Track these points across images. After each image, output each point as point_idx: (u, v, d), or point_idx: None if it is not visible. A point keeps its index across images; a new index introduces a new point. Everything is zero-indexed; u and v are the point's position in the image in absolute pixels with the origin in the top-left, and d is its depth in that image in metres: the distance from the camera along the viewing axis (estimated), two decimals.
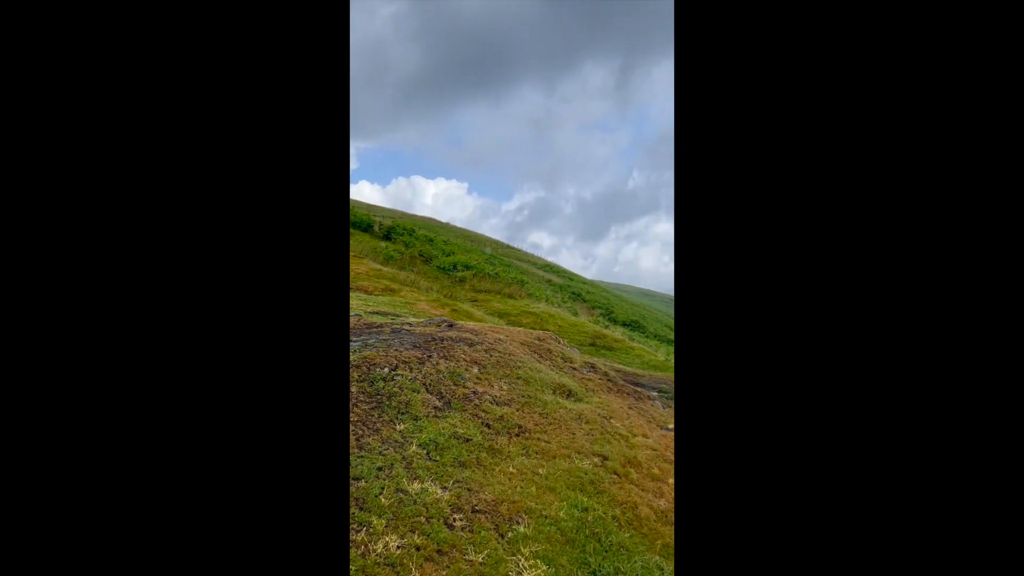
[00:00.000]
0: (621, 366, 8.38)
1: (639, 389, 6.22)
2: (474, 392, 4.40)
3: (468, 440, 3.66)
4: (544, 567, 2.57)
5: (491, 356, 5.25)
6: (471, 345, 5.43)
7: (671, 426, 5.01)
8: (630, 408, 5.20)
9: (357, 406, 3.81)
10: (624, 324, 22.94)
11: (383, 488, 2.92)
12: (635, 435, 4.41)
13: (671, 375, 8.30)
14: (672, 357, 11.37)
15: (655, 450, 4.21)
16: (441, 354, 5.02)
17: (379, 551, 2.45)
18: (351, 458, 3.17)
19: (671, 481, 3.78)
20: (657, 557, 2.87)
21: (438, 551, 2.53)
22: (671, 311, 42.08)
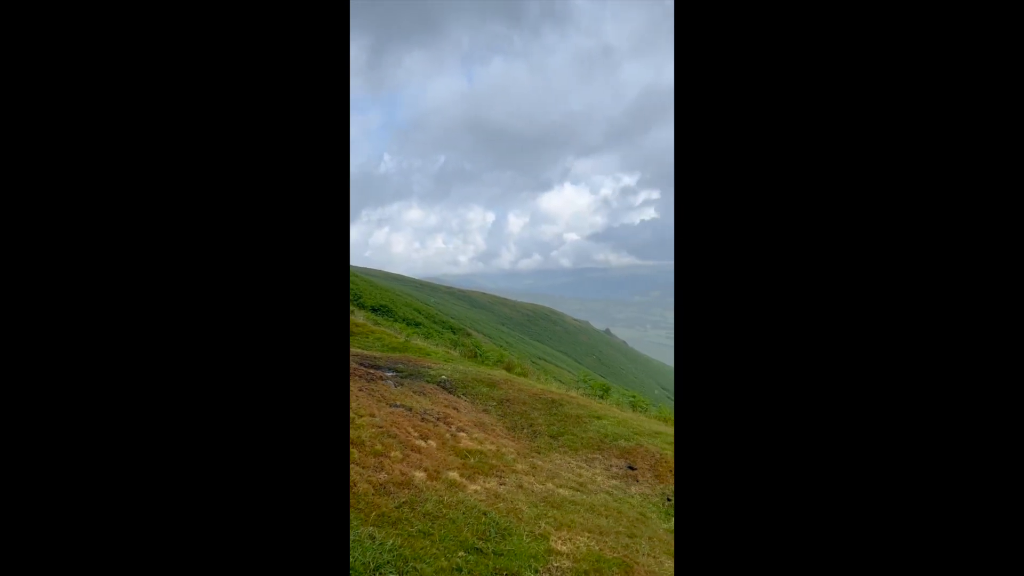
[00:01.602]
0: (359, 350, 8.29)
1: (373, 371, 6.27)
2: None
3: None
4: None
5: None
6: None
7: (399, 403, 5.23)
8: (360, 390, 5.21)
9: None
10: (372, 309, 22.70)
11: None
12: (361, 416, 4.44)
13: (409, 355, 8.64)
14: (413, 338, 11.80)
15: (380, 427, 4.33)
16: None
17: None
18: None
19: (393, 454, 3.95)
20: (371, 528, 2.97)
21: None
22: (420, 295, 43.66)
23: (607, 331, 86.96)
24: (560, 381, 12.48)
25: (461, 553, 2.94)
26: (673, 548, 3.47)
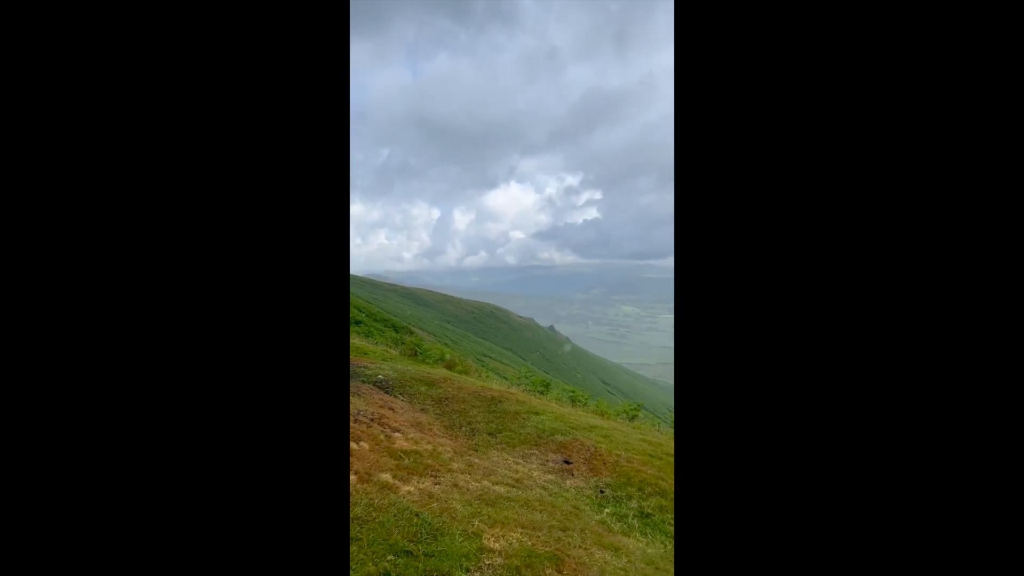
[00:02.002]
0: None
1: None
2: None
3: None
4: None
5: None
6: None
7: None
8: None
9: None
10: None
11: None
12: None
13: None
14: (350, 337, 11.44)
15: None
16: None
17: None
18: None
19: None
20: None
21: None
22: (362, 292, 42.41)
23: (551, 328, 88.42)
24: (504, 378, 12.54)
25: (390, 557, 2.86)
26: (603, 538, 3.56)
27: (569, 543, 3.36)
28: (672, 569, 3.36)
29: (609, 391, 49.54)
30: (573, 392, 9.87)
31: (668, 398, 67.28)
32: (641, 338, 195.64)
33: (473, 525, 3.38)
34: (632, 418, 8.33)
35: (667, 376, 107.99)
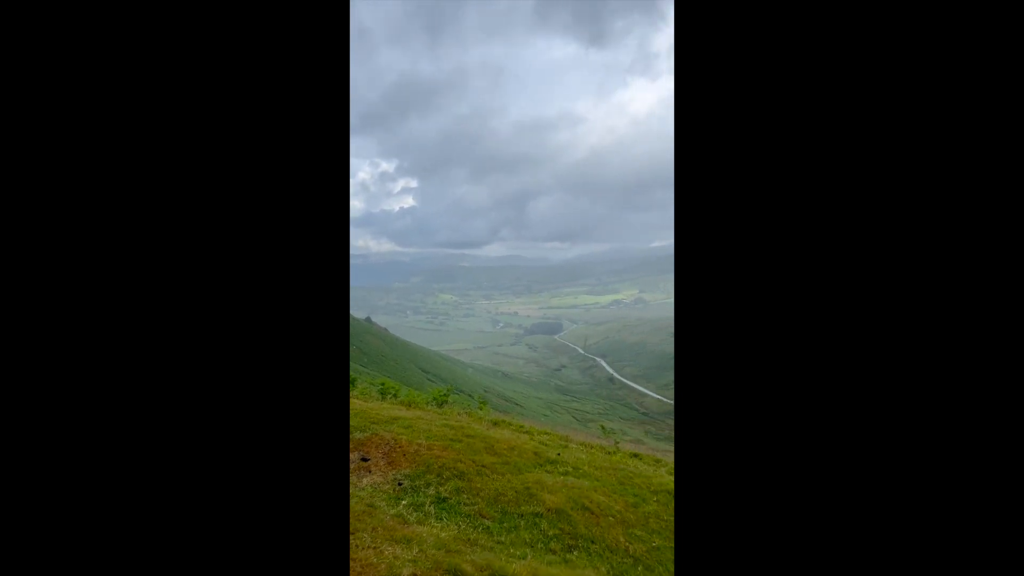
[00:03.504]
0: None
1: None
2: None
3: None
4: None
5: None
6: None
7: None
8: None
9: None
10: None
11: None
12: None
13: None
14: None
15: None
16: None
17: None
18: None
19: None
20: None
21: None
22: None
23: (368, 319, 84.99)
24: None
25: None
26: (395, 532, 3.48)
27: (357, 546, 3.19)
28: (463, 549, 3.46)
29: (429, 379, 49.95)
30: (383, 384, 9.57)
31: (483, 379, 70.95)
32: (459, 324, 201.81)
33: None
34: (442, 404, 8.45)
35: (482, 359, 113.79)
